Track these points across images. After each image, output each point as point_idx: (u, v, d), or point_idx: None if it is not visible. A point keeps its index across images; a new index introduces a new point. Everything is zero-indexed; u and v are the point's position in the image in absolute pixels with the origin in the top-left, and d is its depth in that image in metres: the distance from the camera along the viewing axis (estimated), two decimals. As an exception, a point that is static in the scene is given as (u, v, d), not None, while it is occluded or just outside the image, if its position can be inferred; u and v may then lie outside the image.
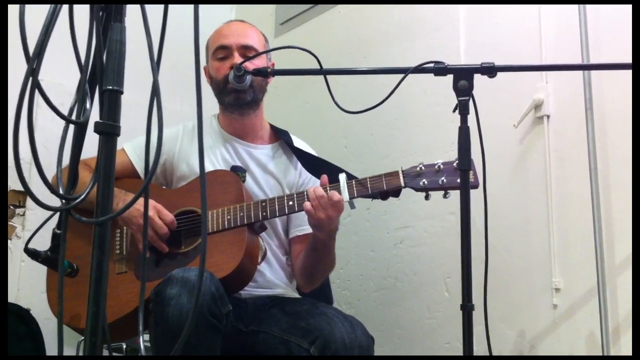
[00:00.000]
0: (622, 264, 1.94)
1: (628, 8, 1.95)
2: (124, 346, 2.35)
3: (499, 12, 2.39)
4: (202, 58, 2.27)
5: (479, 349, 2.04)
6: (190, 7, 0.99)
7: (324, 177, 1.91)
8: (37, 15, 1.09)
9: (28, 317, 2.54)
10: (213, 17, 2.92)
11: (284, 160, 2.23)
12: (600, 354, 1.92)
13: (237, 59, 2.10)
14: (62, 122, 0.98)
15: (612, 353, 1.91)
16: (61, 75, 2.47)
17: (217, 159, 2.17)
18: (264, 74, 1.89)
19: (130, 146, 2.19)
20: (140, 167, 2.15)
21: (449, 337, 2.36)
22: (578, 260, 2.04)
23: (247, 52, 2.14)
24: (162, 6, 1.06)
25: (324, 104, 2.83)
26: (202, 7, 1.01)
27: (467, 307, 1.48)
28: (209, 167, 2.12)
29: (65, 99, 1.15)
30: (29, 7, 0.90)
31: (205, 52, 2.26)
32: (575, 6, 2.12)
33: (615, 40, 2.03)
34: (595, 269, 1.95)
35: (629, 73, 1.86)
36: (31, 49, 0.87)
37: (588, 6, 2.10)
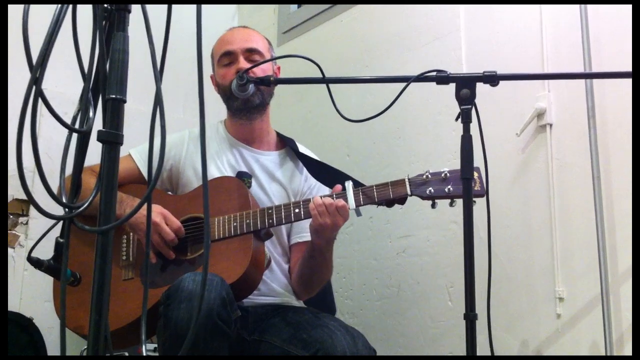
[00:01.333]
0: (626, 273, 1.93)
1: (629, 13, 1.95)
2: (126, 355, 2.34)
3: (500, 21, 2.39)
4: (207, 65, 2.27)
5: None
6: (192, 14, 1.00)
7: (338, 186, 1.91)
8: (39, 21, 1.09)
9: (30, 326, 2.54)
10: (215, 24, 2.94)
11: (290, 166, 2.24)
12: (604, 364, 1.91)
13: (243, 63, 2.11)
14: (65, 131, 0.98)
15: (616, 362, 1.90)
16: (63, 84, 2.48)
17: (223, 165, 2.17)
18: (267, 82, 1.89)
19: (137, 151, 2.19)
20: (146, 172, 2.15)
21: (452, 347, 2.35)
22: (581, 269, 2.04)
23: (252, 55, 2.15)
24: (163, 14, 1.06)
25: (326, 113, 2.84)
26: (204, 15, 1.02)
27: (470, 317, 1.47)
28: (215, 173, 2.12)
29: (67, 108, 1.15)
30: (31, 14, 0.90)
31: (211, 61, 2.26)
32: (577, 11, 2.12)
33: (617, 45, 2.03)
34: (599, 277, 1.95)
35: (630, 80, 1.86)
36: (34, 56, 0.88)
37: (590, 10, 2.10)
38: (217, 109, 2.27)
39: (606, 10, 2.08)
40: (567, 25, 2.17)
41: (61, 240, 1.55)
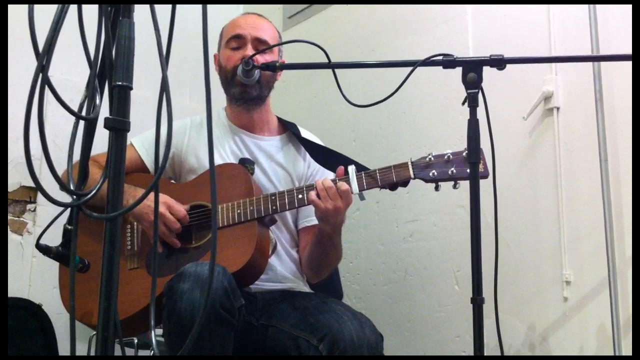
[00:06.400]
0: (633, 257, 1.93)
1: (638, -2, 1.94)
2: (135, 341, 2.36)
3: (508, 4, 2.38)
4: (214, 46, 2.25)
5: (489, 342, 2.04)
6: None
7: (340, 168, 1.90)
8: (45, 11, 1.09)
9: (39, 312, 2.56)
10: (220, 10, 2.93)
11: (292, 151, 2.23)
12: (611, 346, 1.91)
13: (250, 51, 2.10)
14: (71, 118, 0.98)
15: (623, 345, 1.90)
16: (69, 71, 2.48)
17: (226, 152, 2.17)
18: (273, 68, 1.88)
19: (139, 140, 2.19)
20: (149, 162, 2.16)
21: (459, 330, 2.36)
22: (588, 253, 2.04)
23: (261, 45, 2.14)
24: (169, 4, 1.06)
25: (332, 98, 2.84)
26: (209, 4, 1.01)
27: (477, 301, 1.47)
28: (218, 160, 2.12)
29: (74, 95, 1.15)
30: (37, 5, 0.90)
31: (219, 40, 2.25)
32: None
33: (625, 28, 2.01)
34: (606, 261, 1.95)
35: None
36: (40, 45, 0.87)
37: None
38: (221, 96, 2.27)
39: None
40: (574, 7, 2.15)
41: (69, 227, 1.56)
